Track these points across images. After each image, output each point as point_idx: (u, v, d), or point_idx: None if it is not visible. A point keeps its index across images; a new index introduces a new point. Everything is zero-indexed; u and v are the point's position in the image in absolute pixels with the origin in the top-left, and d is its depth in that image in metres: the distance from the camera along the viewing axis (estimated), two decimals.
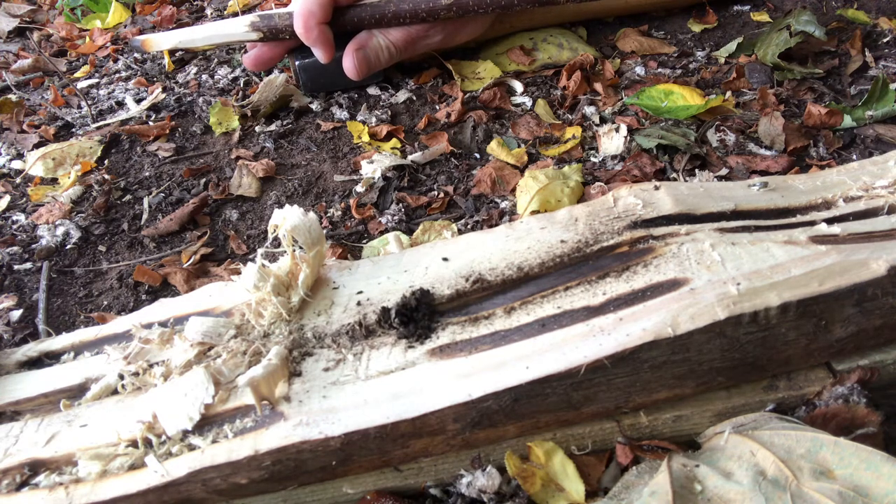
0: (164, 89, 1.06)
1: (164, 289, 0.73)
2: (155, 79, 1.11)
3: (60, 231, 0.81)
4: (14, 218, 0.85)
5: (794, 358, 0.50)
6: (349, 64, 0.93)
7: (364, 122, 0.94)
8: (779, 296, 0.48)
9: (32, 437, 0.50)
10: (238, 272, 0.57)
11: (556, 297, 0.52)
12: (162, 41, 0.97)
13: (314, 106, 0.98)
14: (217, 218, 0.82)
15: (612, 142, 0.85)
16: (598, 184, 0.79)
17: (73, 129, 1.00)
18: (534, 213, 0.74)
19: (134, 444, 0.48)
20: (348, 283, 0.57)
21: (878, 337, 0.51)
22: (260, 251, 0.58)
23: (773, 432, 0.46)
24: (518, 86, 0.98)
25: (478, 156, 0.87)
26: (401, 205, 0.80)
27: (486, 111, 0.93)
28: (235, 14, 1.27)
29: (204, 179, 0.88)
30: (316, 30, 0.89)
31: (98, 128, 0.99)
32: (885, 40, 1.00)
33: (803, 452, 0.45)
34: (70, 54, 1.25)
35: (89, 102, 1.05)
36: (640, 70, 0.99)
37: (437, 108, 0.96)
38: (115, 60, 1.18)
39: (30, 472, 0.48)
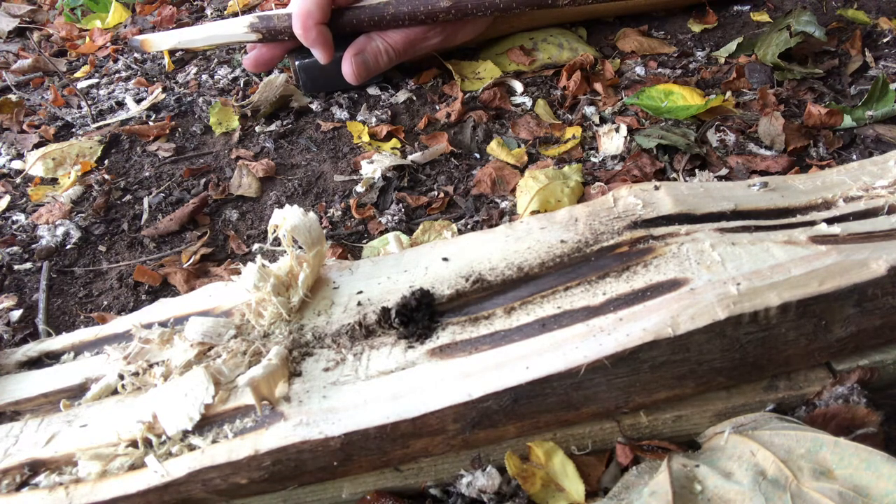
0: (164, 89, 1.06)
1: (164, 289, 0.73)
2: (155, 79, 1.11)
3: (60, 231, 0.81)
4: (14, 218, 0.85)
5: (794, 358, 0.50)
6: (348, 69, 0.93)
7: (364, 122, 0.93)
8: (779, 296, 0.48)
9: (32, 437, 0.50)
10: (238, 272, 0.57)
11: (556, 298, 0.52)
12: (161, 41, 0.97)
13: (314, 106, 0.98)
14: (217, 218, 0.82)
15: (612, 142, 0.85)
16: (598, 184, 0.79)
17: (73, 129, 1.00)
18: (534, 213, 0.74)
19: (134, 444, 0.48)
20: (348, 283, 0.57)
21: (878, 337, 0.51)
22: (256, 247, 0.58)
23: (773, 432, 0.46)
24: (518, 86, 0.98)
25: (478, 156, 0.87)
26: (401, 205, 0.80)
27: (486, 111, 0.93)
28: (235, 14, 1.27)
29: (204, 179, 0.88)
30: (314, 30, 0.89)
31: (98, 128, 0.99)
32: (885, 40, 1.00)
33: (803, 452, 0.45)
34: (70, 54, 1.25)
35: (89, 102, 1.05)
36: (640, 70, 0.99)
37: (437, 108, 0.96)
38: (115, 60, 1.18)
39: (30, 472, 0.48)
